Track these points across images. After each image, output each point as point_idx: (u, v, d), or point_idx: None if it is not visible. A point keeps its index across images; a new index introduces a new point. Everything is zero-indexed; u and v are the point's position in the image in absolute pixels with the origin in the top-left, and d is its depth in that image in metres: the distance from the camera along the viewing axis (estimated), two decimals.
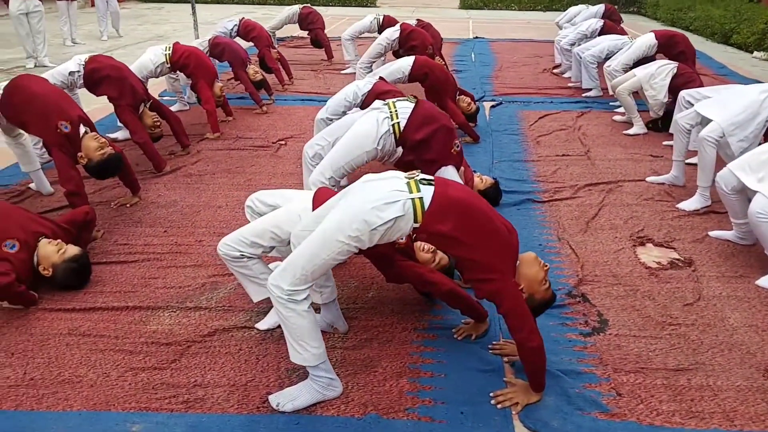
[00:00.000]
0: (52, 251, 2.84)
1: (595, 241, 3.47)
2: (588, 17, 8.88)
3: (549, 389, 2.24)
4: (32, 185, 4.06)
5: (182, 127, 4.75)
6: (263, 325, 2.62)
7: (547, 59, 8.99)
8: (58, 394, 2.24)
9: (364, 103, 4.25)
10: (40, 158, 4.12)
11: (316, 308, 2.43)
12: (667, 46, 5.94)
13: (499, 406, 2.18)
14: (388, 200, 2.02)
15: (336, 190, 3.12)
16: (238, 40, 6.85)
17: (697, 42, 9.45)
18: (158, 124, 4.37)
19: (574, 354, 2.50)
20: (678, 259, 3.28)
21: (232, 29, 6.90)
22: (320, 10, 8.51)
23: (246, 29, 6.87)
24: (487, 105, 6.33)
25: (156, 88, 6.39)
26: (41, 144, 4.32)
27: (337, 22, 12.83)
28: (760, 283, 3.03)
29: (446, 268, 2.64)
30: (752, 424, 2.13)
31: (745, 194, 3.26)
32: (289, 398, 2.17)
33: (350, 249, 2.06)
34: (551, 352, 2.33)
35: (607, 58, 6.29)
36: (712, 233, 3.54)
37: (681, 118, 4.11)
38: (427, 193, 2.06)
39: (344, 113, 4.35)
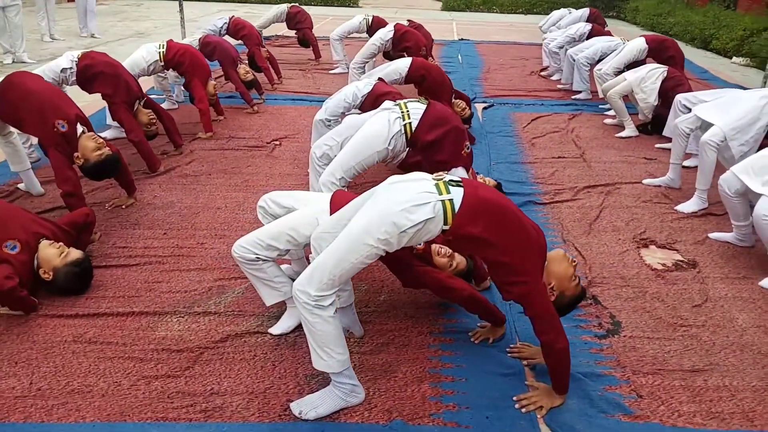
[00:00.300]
0: (53, 254, 2.74)
1: (600, 242, 3.49)
2: (573, 21, 8.99)
3: (571, 392, 2.24)
4: (21, 185, 3.93)
5: (175, 126, 4.65)
6: (276, 329, 2.56)
7: (533, 61, 9.05)
8: (69, 404, 2.15)
9: (364, 104, 4.22)
10: (29, 157, 3.99)
11: None
12: (658, 51, 6.03)
13: (523, 410, 2.17)
14: (418, 202, 1.98)
15: (346, 190, 3.09)
16: (227, 38, 6.74)
17: None
18: (154, 121, 4.27)
19: (592, 356, 2.50)
20: (682, 261, 3.31)
21: (221, 27, 6.80)
22: (277, 6, 8.39)
23: (236, 27, 6.77)
24: (479, 107, 6.34)
25: (143, 86, 6.24)
26: (29, 143, 4.21)
27: (321, 21, 12.72)
28: (764, 284, 3.07)
29: (463, 273, 2.62)
30: None
31: (747, 197, 3.31)
32: (311, 405, 2.13)
33: (378, 252, 2.02)
34: None
35: (600, 59, 6.35)
36: (712, 235, 3.58)
37: (681, 122, 4.16)
38: (457, 194, 2.03)
39: (343, 114, 4.31)
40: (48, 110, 3.24)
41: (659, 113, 5.35)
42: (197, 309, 2.74)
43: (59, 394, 2.20)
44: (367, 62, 6.18)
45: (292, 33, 8.72)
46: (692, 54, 10.03)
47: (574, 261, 2.20)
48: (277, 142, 5.05)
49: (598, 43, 6.54)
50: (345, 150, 3.09)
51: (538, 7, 16.91)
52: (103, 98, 4.22)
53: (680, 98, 4.87)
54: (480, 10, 17.03)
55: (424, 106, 3.09)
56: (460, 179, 2.11)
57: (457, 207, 2.01)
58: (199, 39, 5.90)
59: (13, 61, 7.92)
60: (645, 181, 4.42)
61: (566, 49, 7.93)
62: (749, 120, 3.71)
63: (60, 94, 3.40)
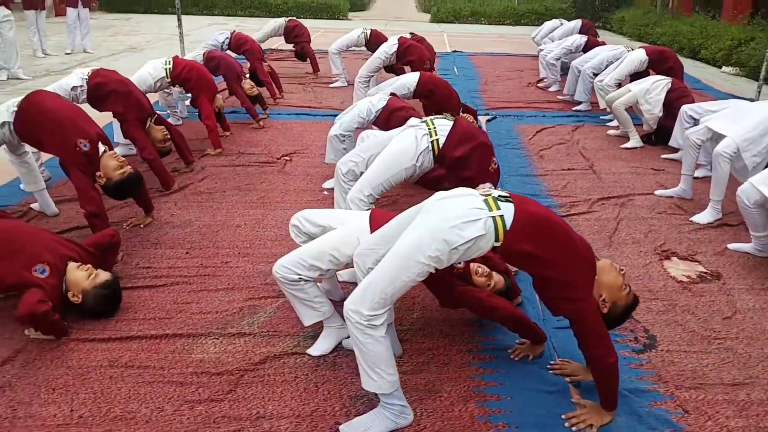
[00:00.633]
0: (81, 276, 2.69)
1: (622, 255, 3.51)
2: (566, 32, 9.13)
3: (618, 409, 2.23)
4: (35, 205, 3.86)
5: (186, 143, 4.61)
6: (315, 351, 2.54)
7: (528, 73, 9.15)
8: None
9: (378, 119, 4.23)
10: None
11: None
12: (657, 62, 6.13)
13: (574, 428, 2.16)
14: (469, 218, 1.98)
15: (372, 207, 3.08)
16: (229, 53, 6.72)
17: None
18: (167, 138, 4.24)
19: (632, 372, 2.50)
20: (705, 273, 3.34)
21: (223, 42, 6.78)
22: (275, 20, 8.40)
23: (238, 42, 6.76)
24: (482, 119, 6.37)
25: None
26: (40, 161, 4.14)
27: (313, 34, 12.68)
28: None
29: (501, 291, 2.62)
30: None
31: (766, 208, 3.36)
32: (361, 428, 2.10)
33: (429, 270, 2.01)
34: None
35: (606, 68, 6.43)
36: (732, 246, 3.63)
37: (692, 133, 4.22)
38: (507, 210, 2.03)
39: (358, 129, 4.32)
40: (69, 129, 3.19)
41: (663, 124, 5.43)
42: (231, 330, 2.70)
43: (102, 422, 2.15)
44: (372, 76, 6.19)
45: (287, 46, 8.72)
46: (682, 64, 10.20)
47: (622, 270, 2.21)
48: (288, 158, 5.03)
49: (603, 52, 6.64)
50: (373, 167, 3.09)
51: (526, 19, 17.18)
52: (115, 116, 4.18)
53: (685, 109, 4.94)
54: (468, 22, 17.22)
55: (450, 123, 3.11)
56: (507, 194, 2.11)
57: (508, 223, 2.01)
58: (203, 54, 5.87)
59: (8, 78, 7.82)
60: (657, 192, 4.46)
61: (563, 61, 8.08)
62: (761, 131, 3.78)
63: (80, 112, 3.36)
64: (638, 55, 6.08)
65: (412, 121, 3.22)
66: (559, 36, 9.25)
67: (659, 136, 5.51)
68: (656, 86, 5.32)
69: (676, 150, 5.21)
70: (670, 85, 5.30)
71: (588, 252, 2.15)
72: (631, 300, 2.21)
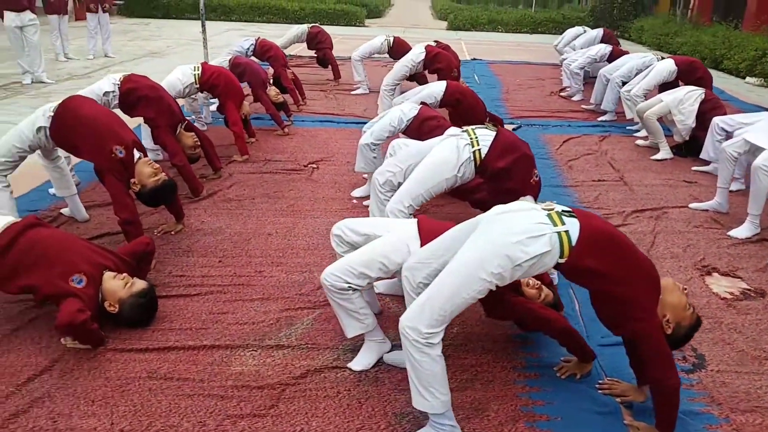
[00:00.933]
0: (118, 286, 2.65)
1: (662, 270, 3.38)
2: (588, 41, 9.06)
3: None
4: (65, 210, 3.84)
5: (214, 149, 4.58)
6: (357, 365, 2.48)
7: (550, 82, 9.09)
8: None
9: (409, 128, 4.19)
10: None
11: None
12: (687, 72, 6.04)
13: None
14: (533, 234, 1.92)
15: (412, 217, 3.02)
16: (253, 59, 6.70)
17: None
18: (198, 145, 4.22)
19: (684, 392, 2.38)
20: (749, 290, 3.25)
21: (248, 48, 6.77)
22: (298, 26, 8.40)
23: (262, 49, 6.75)
24: (507, 128, 6.29)
25: None
26: (71, 165, 4.12)
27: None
28: None
29: (550, 304, 2.55)
30: None
31: None
32: None
33: (491, 287, 1.95)
34: None
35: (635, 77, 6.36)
36: None
37: (729, 146, 4.14)
38: (572, 225, 1.97)
39: (388, 138, 4.27)
40: (105, 135, 3.17)
41: (695, 135, 5.35)
42: (269, 342, 2.65)
43: None
44: (398, 84, 6.14)
45: (307, 52, 8.70)
46: (711, 75, 10.10)
47: (685, 289, 2.14)
48: (315, 165, 4.99)
49: (632, 60, 6.57)
50: (413, 177, 3.03)
51: (543, 27, 17.11)
52: (146, 122, 4.16)
53: (717, 121, 4.87)
54: (485, 29, 17.16)
55: (493, 133, 3.05)
56: (570, 209, 2.05)
57: (573, 239, 1.95)
58: (229, 60, 5.86)
59: (32, 81, 7.86)
60: (692, 206, 4.38)
61: (587, 70, 8.01)
62: None
63: (116, 118, 3.33)
64: (667, 66, 6.00)
65: (452, 130, 3.16)
66: (580, 45, 9.18)
67: (690, 148, 5.43)
68: (689, 96, 5.24)
69: (707, 162, 5.12)
70: (703, 96, 5.22)
71: (653, 270, 2.08)
72: (695, 320, 2.14)
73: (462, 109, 4.97)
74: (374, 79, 8.00)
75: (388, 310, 2.94)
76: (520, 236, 1.91)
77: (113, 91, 4.05)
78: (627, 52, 7.51)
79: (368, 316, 2.45)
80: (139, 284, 2.71)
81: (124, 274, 2.71)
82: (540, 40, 15.10)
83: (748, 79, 9.83)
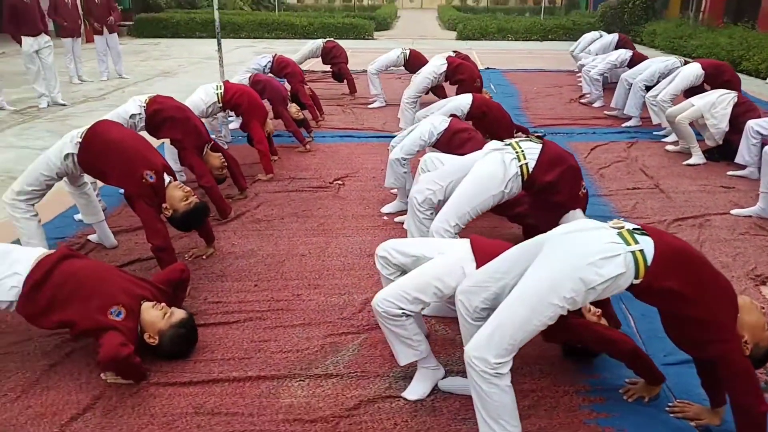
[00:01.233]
0: (157, 316, 2.55)
1: None
2: (604, 46, 8.97)
3: None
4: (92, 237, 3.76)
5: (240, 170, 4.49)
6: (412, 394, 2.36)
7: (567, 89, 8.98)
8: None
9: (440, 142, 4.08)
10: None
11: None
12: (714, 75, 5.91)
13: None
14: (607, 254, 1.80)
15: (458, 237, 2.91)
16: (271, 76, 6.64)
17: None
18: (225, 165, 4.13)
19: None
20: None
21: (265, 66, 6.71)
22: (313, 41, 8.36)
23: (280, 65, 6.69)
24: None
25: None
26: (97, 191, 4.05)
27: None
28: None
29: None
30: None
31: None
32: None
33: (562, 312, 1.84)
34: None
35: (657, 81, 6.23)
36: None
37: None
38: (647, 244, 1.85)
39: (418, 152, 4.18)
40: (134, 161, 3.08)
41: (728, 139, 5.22)
42: (316, 371, 2.54)
43: None
44: (420, 96, 6.05)
45: (321, 67, 8.65)
46: (739, 77, 9.97)
47: (763, 307, 2.01)
48: (340, 182, 4.89)
49: (654, 64, 6.45)
50: (457, 194, 2.91)
51: (553, 34, 17.03)
52: (172, 144, 4.09)
53: (752, 124, 4.75)
54: (495, 38, 17.10)
55: (539, 146, 2.93)
56: (640, 226, 1.93)
57: (649, 258, 1.83)
58: (249, 78, 5.79)
59: (48, 105, 7.85)
60: (734, 212, 4.24)
61: (607, 76, 7.90)
62: None
63: (145, 143, 3.25)
64: (694, 70, 5.86)
65: (494, 144, 3.05)
66: (596, 50, 9.07)
67: (723, 152, 5.30)
68: (722, 100, 5.12)
69: (742, 166, 4.99)
70: (736, 99, 5.10)
71: (730, 288, 1.95)
72: None
73: (488, 121, 4.87)
74: (389, 91, 7.93)
75: (435, 333, 2.82)
76: (592, 257, 1.80)
77: (139, 113, 3.97)
78: (647, 57, 7.39)
79: (422, 342, 2.33)
80: (178, 314, 2.61)
81: (163, 304, 2.61)
82: (551, 47, 15.02)
83: None
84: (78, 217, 4.00)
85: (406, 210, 4.17)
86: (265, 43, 15.47)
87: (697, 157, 5.34)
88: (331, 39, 8.38)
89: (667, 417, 2.26)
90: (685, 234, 3.89)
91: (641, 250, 1.83)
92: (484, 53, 13.72)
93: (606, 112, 7.23)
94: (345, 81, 8.29)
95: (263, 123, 4.95)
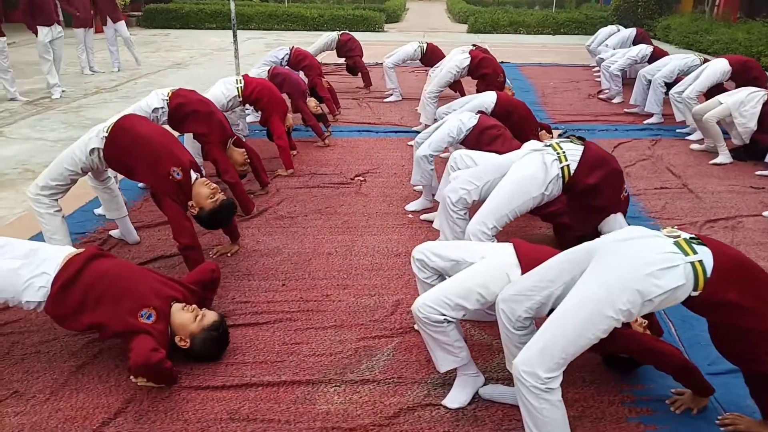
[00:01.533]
0: (188, 319, 2.48)
1: None
2: (621, 40, 8.86)
3: None
4: (114, 232, 3.70)
5: (262, 165, 4.42)
6: (452, 402, 2.29)
7: (584, 84, 8.86)
8: None
9: (467, 139, 4.00)
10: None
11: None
12: (741, 72, 5.80)
13: None
14: (665, 265, 1.72)
15: (494, 239, 2.83)
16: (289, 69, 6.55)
17: None
18: (248, 161, 4.06)
19: None
20: None
21: (283, 58, 6.61)
22: (328, 34, 8.24)
23: (297, 58, 6.59)
24: (554, 133, 6.09)
25: None
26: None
27: None
28: None
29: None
30: None
31: None
32: None
33: (617, 325, 1.76)
34: None
35: (678, 79, 6.13)
36: None
37: None
38: (705, 254, 1.77)
39: (446, 149, 4.10)
40: (162, 157, 3.01)
41: (756, 138, 5.11)
42: (351, 376, 2.47)
43: None
44: (442, 91, 5.94)
45: (334, 60, 8.54)
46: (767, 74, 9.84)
47: None
48: (362, 178, 4.81)
49: (674, 61, 6.33)
50: (495, 196, 2.82)
51: (565, 28, 16.83)
52: (196, 138, 4.01)
53: None
54: (507, 32, 16.92)
55: (581, 147, 2.84)
56: (696, 235, 1.85)
57: (708, 270, 1.75)
58: (268, 71, 5.70)
59: (61, 96, 7.77)
60: (765, 213, 4.14)
61: (626, 71, 7.78)
62: None
63: (172, 138, 3.17)
64: (721, 66, 5.75)
65: (533, 144, 2.96)
66: (613, 44, 8.95)
67: (751, 152, 5.19)
68: (751, 98, 5.01)
69: None
70: (766, 98, 4.98)
71: None
72: None
73: (513, 120, 4.75)
74: (403, 85, 7.83)
75: (471, 337, 2.75)
76: (650, 268, 1.72)
77: (162, 107, 3.89)
78: (667, 53, 7.27)
79: (462, 349, 2.26)
80: (210, 316, 2.54)
81: (194, 306, 2.54)
82: (564, 41, 14.84)
83: None
84: (98, 211, 3.95)
85: (431, 208, 4.11)
86: (275, 34, 15.34)
87: (724, 156, 5.24)
88: (347, 32, 8.26)
89: (716, 430, 2.18)
90: (719, 237, 3.80)
91: (700, 261, 1.75)
92: (497, 47, 13.54)
93: (626, 110, 7.11)
94: (360, 74, 8.19)
95: (283, 118, 4.87)
